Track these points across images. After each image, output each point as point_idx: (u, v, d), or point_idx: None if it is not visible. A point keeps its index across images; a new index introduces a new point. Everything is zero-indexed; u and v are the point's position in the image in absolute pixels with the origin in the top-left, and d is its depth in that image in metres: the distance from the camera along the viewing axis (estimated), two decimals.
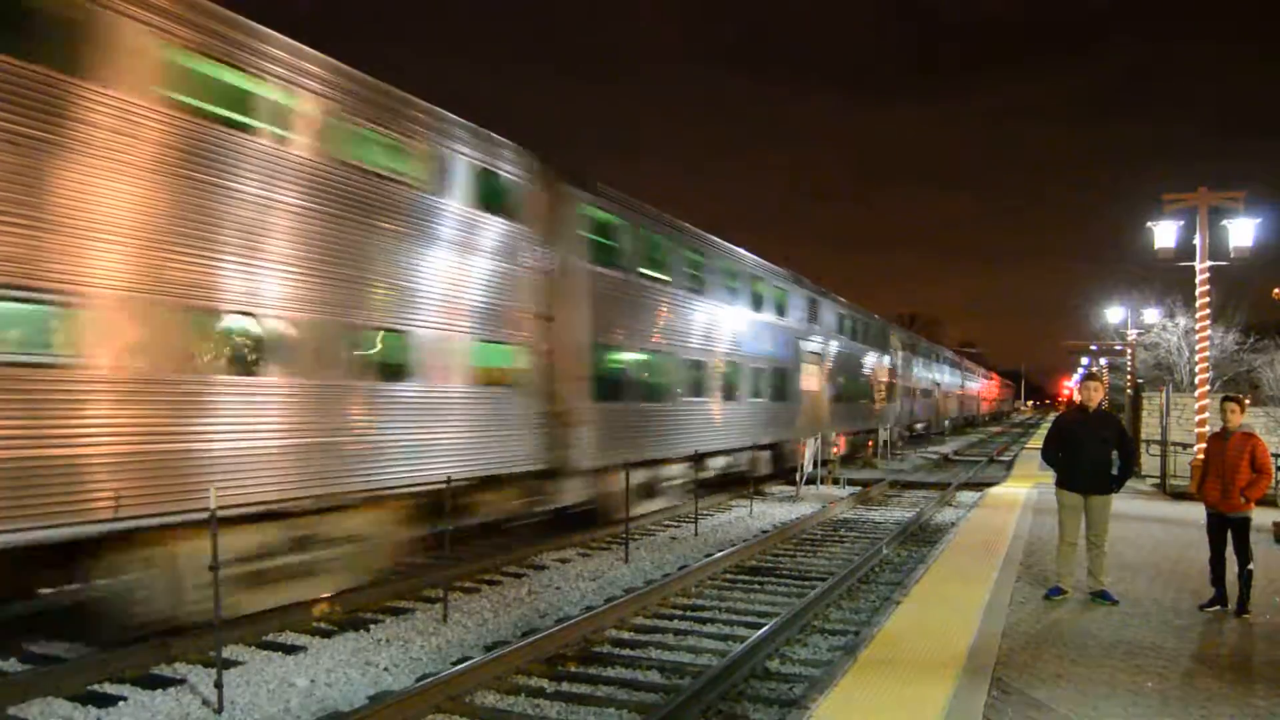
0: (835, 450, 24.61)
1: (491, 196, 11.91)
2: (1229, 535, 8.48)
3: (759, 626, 8.79)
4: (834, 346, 27.82)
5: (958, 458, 35.00)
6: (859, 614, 9.74)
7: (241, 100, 8.54)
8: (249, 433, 8.37)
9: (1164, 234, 18.76)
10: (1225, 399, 8.86)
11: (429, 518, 10.69)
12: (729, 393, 19.22)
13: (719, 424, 18.78)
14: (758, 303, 21.17)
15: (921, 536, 15.05)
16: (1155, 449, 21.51)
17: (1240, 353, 32.64)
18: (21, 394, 6.65)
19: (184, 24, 7.92)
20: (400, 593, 10.26)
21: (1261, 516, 10.26)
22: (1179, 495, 18.04)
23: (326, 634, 8.76)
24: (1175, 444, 20.56)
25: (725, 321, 19.27)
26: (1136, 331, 37.75)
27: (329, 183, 9.35)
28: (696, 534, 15.01)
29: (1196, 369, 19.23)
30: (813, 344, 25.71)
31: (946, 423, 54.78)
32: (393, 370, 10.14)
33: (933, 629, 7.50)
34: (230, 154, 8.31)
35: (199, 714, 6.66)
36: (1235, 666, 6.78)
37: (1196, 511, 9.77)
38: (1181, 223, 18.71)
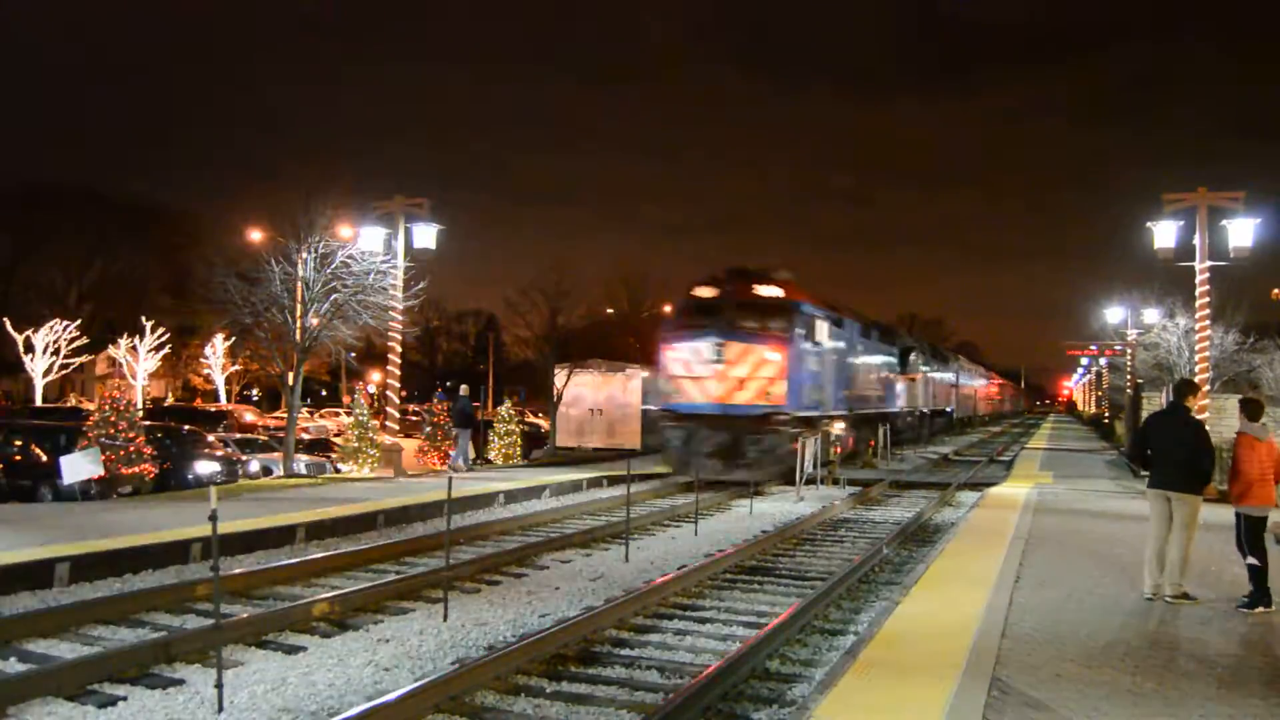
0: (835, 450, 24.65)
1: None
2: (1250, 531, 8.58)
3: (759, 626, 8.79)
4: (935, 373, 46.32)
5: (958, 458, 34.95)
6: (859, 614, 9.74)
7: None
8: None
9: (1164, 234, 18.77)
10: (1243, 400, 9.10)
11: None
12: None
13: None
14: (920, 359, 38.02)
15: (921, 536, 15.05)
16: None
17: (1240, 353, 32.65)
18: None
19: None
20: (400, 593, 10.26)
21: None
22: None
23: (326, 634, 8.77)
24: None
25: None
26: (1136, 331, 37.79)
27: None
28: (696, 534, 15.01)
29: (1196, 369, 19.24)
30: (939, 375, 46.27)
31: (984, 416, 76.24)
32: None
33: (933, 629, 7.50)
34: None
35: (199, 714, 6.66)
36: (1236, 666, 6.79)
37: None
38: (1181, 223, 18.73)
